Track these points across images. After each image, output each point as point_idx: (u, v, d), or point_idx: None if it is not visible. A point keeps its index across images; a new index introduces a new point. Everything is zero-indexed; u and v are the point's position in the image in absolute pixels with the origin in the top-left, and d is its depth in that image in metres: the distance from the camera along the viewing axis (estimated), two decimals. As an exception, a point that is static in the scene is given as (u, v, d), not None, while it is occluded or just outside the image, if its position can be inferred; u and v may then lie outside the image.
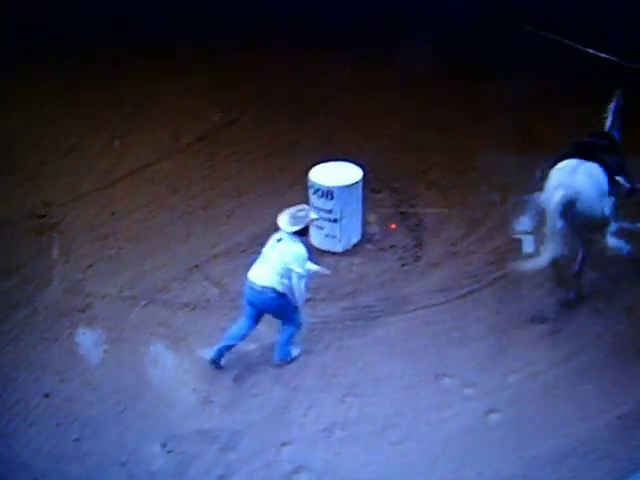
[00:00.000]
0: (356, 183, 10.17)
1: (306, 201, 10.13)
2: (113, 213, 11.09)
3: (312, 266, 8.52)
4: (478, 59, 14.42)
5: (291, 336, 8.54)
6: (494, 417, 8.06)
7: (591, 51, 14.57)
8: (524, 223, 10.35)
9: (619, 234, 9.62)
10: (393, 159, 12.13)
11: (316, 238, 10.26)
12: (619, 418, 7.98)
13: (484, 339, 8.97)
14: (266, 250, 8.25)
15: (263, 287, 8.14)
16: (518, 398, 8.23)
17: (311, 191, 10.18)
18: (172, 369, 8.70)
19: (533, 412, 8.07)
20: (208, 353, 8.58)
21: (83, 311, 9.36)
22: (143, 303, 9.47)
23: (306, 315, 8.73)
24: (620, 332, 9.03)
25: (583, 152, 8.63)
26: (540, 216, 8.95)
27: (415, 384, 8.45)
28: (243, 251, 10.19)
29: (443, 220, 10.79)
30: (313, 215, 8.49)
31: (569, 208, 8.41)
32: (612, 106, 9.22)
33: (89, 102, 13.65)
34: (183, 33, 15.48)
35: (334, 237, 10.23)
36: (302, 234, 8.27)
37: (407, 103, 13.62)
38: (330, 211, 10.07)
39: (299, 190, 10.68)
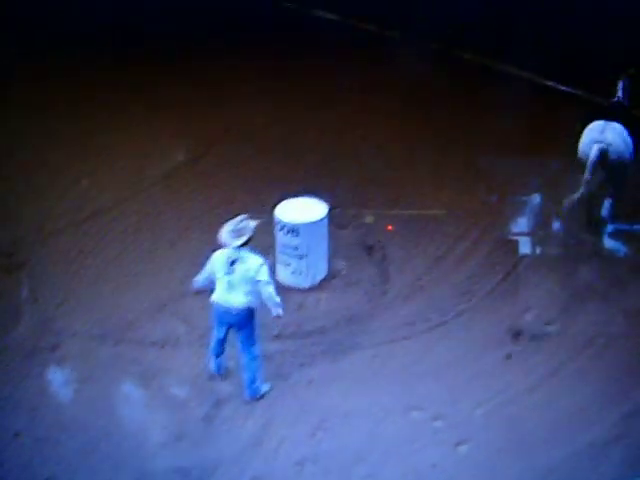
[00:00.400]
0: (322, 219, 10.25)
1: (272, 238, 10.28)
2: (81, 251, 11.06)
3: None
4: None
5: (256, 371, 8.61)
6: (464, 448, 8.13)
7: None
8: (521, 224, 11.40)
9: (616, 236, 10.88)
10: (358, 195, 12.24)
11: (283, 274, 10.34)
12: (589, 445, 8.11)
13: (452, 370, 9.05)
14: (222, 276, 8.27)
15: (239, 309, 8.30)
16: (487, 428, 8.33)
17: (277, 228, 10.23)
18: (143, 407, 8.68)
19: (503, 442, 8.16)
20: (209, 368, 8.87)
21: (53, 349, 9.31)
22: (113, 341, 9.45)
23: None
24: (588, 355, 9.23)
25: (606, 115, 10.75)
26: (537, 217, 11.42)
27: (384, 417, 8.50)
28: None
29: (409, 254, 10.90)
30: (253, 223, 8.38)
31: (604, 158, 10.48)
32: (621, 83, 11.07)
33: (55, 141, 13.69)
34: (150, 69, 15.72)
35: (301, 273, 10.27)
36: (247, 243, 8.27)
37: (368, 141, 13.85)
38: (296, 247, 10.13)
39: (265, 226, 10.75)
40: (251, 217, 8.45)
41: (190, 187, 12.53)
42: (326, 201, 10.55)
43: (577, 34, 14.94)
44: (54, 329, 9.65)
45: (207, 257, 8.55)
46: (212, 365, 8.90)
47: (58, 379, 9.02)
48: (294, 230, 10.08)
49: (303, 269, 10.25)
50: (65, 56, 15.65)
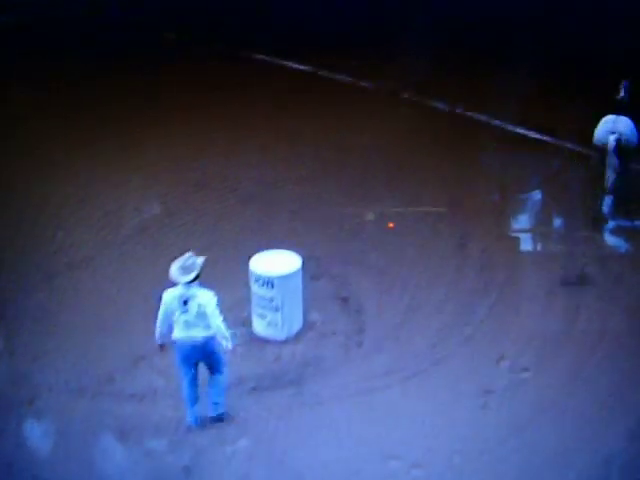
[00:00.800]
0: (296, 271, 10.33)
1: (248, 291, 10.35)
2: (58, 304, 11.08)
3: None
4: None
5: (222, 394, 8.93)
6: (442, 497, 8.19)
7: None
8: (522, 221, 12.54)
9: (618, 232, 11.79)
10: (332, 246, 12.34)
11: (258, 326, 10.39)
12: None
13: (429, 419, 9.08)
14: (178, 316, 8.55)
15: (205, 337, 8.57)
16: (466, 476, 8.36)
17: (252, 280, 10.30)
18: (121, 460, 8.63)
19: (480, 490, 8.22)
20: (188, 419, 8.95)
21: (30, 403, 9.26)
22: (90, 394, 9.43)
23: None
24: (564, 400, 9.31)
25: (614, 110, 12.58)
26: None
27: (362, 467, 8.51)
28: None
29: (383, 305, 10.99)
30: (200, 259, 8.60)
31: (618, 146, 12.36)
32: (624, 84, 12.65)
33: (30, 192, 13.76)
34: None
35: (276, 325, 10.31)
36: (197, 279, 8.52)
37: (340, 193, 14.05)
38: (271, 300, 10.18)
39: (241, 279, 10.87)
40: (197, 254, 8.68)
41: (166, 240, 12.56)
42: (300, 253, 10.67)
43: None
44: (31, 382, 9.59)
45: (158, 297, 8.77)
46: (189, 417, 8.96)
47: (35, 433, 8.97)
48: (269, 282, 10.15)
49: (278, 321, 10.28)
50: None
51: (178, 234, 12.72)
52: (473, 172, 14.82)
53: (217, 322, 8.49)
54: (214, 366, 8.82)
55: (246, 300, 10.55)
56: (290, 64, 18.39)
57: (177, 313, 8.57)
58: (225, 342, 8.58)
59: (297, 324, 10.50)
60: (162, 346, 8.95)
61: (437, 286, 11.32)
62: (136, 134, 15.78)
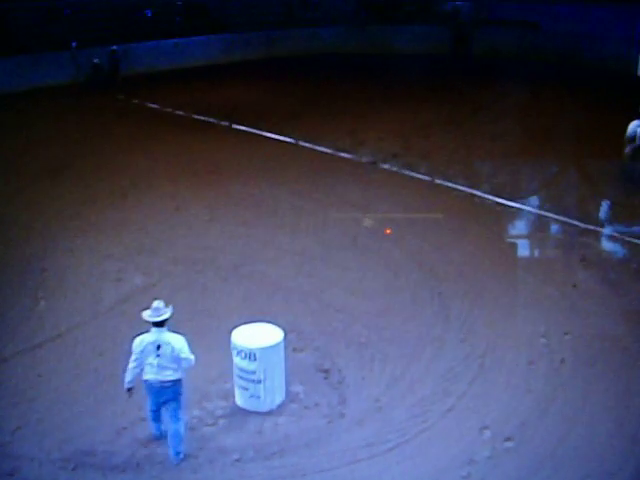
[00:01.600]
0: (278, 344, 10.35)
1: (230, 364, 10.37)
2: (39, 375, 11.01)
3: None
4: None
5: (181, 441, 9.43)
6: None
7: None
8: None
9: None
10: (313, 319, 12.44)
11: (241, 398, 10.36)
12: None
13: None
14: (152, 360, 9.21)
15: (173, 381, 9.27)
16: None
17: (234, 352, 10.30)
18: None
19: None
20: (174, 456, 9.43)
21: (11, 474, 9.15)
22: (72, 466, 9.31)
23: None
24: (548, 468, 9.27)
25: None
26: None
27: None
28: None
29: (365, 376, 10.99)
30: (170, 306, 9.36)
31: None
32: None
33: (11, 262, 13.83)
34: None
35: (258, 397, 10.28)
36: (165, 323, 9.25)
37: (322, 264, 14.28)
38: (254, 372, 10.16)
39: (222, 352, 10.89)
40: (166, 304, 9.39)
41: (147, 312, 12.62)
42: (282, 325, 10.72)
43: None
44: (12, 454, 9.50)
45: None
46: (153, 430, 9.74)
47: (18, 504, 8.88)
48: (251, 355, 10.15)
49: (261, 393, 10.26)
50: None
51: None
52: (455, 238, 15.20)
53: (187, 363, 9.26)
54: (173, 413, 9.43)
55: (228, 372, 10.53)
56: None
57: (152, 357, 9.23)
58: (192, 359, 9.26)
59: (279, 396, 10.48)
60: (130, 390, 9.44)
61: (418, 357, 11.39)
62: (119, 206, 16.08)
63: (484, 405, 10.30)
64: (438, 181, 18.87)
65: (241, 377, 10.29)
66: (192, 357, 9.25)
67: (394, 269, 14.06)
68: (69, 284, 13.62)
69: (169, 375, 9.23)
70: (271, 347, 10.27)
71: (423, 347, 11.63)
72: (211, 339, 11.73)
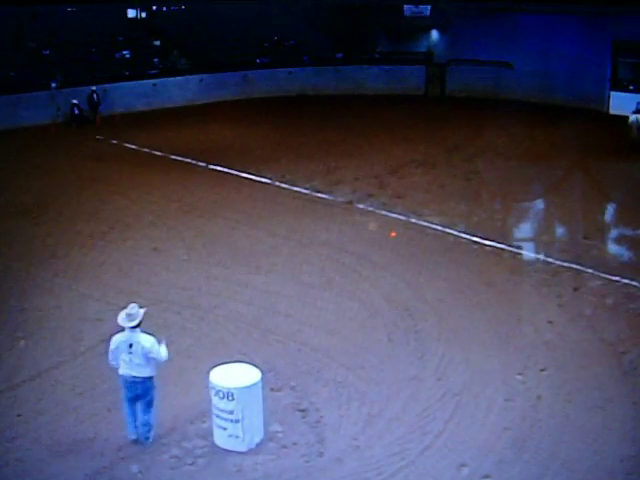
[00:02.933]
0: (255, 383, 10.40)
1: (208, 404, 10.43)
2: (19, 415, 11.00)
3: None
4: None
5: (148, 432, 10.39)
6: None
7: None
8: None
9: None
10: (290, 359, 12.51)
11: (219, 438, 10.39)
12: None
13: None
14: (125, 357, 10.18)
15: (144, 378, 10.22)
16: None
17: (212, 392, 10.35)
18: None
19: None
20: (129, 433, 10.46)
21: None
22: (51, 507, 9.34)
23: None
24: None
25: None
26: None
27: None
28: (151, 452, 10.24)
29: (343, 415, 11.05)
30: (142, 309, 10.35)
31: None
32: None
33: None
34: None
35: (237, 437, 10.31)
36: (139, 326, 10.22)
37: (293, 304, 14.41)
38: (232, 411, 10.21)
39: (200, 392, 10.99)
40: (140, 306, 10.41)
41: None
42: (259, 365, 10.84)
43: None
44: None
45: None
46: (129, 432, 10.48)
47: None
48: (229, 394, 10.20)
49: (239, 433, 10.30)
50: None
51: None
52: (430, 277, 15.36)
53: (158, 353, 10.20)
54: (144, 407, 10.37)
55: (207, 412, 10.59)
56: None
57: (124, 354, 10.21)
58: (163, 355, 10.26)
59: (258, 435, 10.52)
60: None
61: (395, 396, 11.47)
62: (97, 246, 16.19)
63: (461, 443, 10.38)
64: (413, 220, 19.09)
65: (219, 416, 10.33)
66: (162, 355, 10.25)
67: (370, 309, 14.20)
68: (49, 324, 13.67)
69: (140, 372, 10.18)
70: (249, 387, 10.33)
71: (400, 386, 11.72)
72: (189, 379, 11.82)
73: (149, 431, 10.40)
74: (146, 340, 10.20)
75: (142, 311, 10.29)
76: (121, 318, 10.23)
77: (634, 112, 26.69)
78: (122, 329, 10.28)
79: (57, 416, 11.05)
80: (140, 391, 10.26)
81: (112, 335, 10.42)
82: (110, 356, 10.40)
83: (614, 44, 34.35)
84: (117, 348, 10.26)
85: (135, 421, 10.41)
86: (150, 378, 10.28)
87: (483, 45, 38.06)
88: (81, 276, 15.73)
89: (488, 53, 37.77)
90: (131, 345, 10.15)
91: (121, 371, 10.30)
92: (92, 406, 11.19)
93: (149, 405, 10.36)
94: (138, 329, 10.22)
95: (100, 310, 14.07)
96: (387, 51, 42.08)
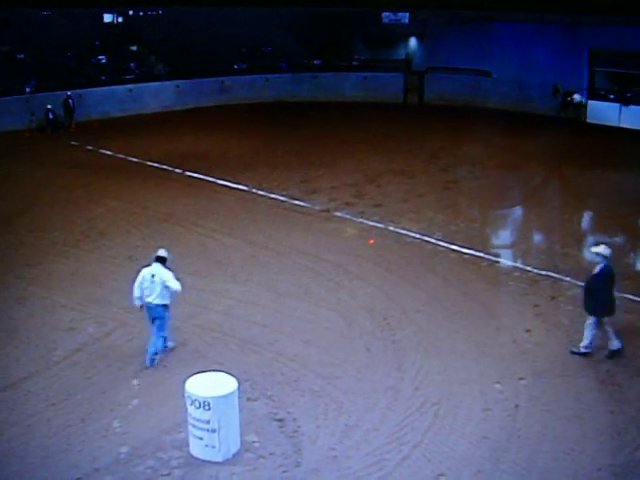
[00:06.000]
0: (232, 393, 10.32)
1: (184, 414, 10.32)
2: (-9, 427, 10.91)
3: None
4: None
5: (159, 349, 12.57)
6: None
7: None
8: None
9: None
10: (266, 369, 12.42)
11: (196, 448, 10.30)
12: None
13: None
14: (148, 285, 12.45)
15: (161, 304, 12.47)
16: None
17: (188, 402, 10.25)
18: None
19: None
20: (148, 360, 12.38)
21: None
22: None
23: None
24: None
25: None
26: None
27: None
28: (126, 463, 10.11)
29: (320, 425, 10.97)
30: (168, 251, 12.85)
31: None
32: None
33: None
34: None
35: (213, 447, 10.22)
36: (164, 262, 12.58)
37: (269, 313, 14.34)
38: (208, 421, 10.13)
39: (176, 402, 10.91)
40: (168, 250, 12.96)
41: (100, 361, 12.59)
42: (236, 375, 10.74)
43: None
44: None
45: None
46: (148, 359, 12.46)
47: None
48: (205, 404, 10.10)
49: (216, 443, 10.21)
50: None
51: (115, 355, 12.79)
52: (408, 287, 15.34)
53: (172, 283, 12.36)
54: (158, 327, 12.52)
55: (183, 422, 10.48)
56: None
57: (147, 283, 12.46)
58: (176, 286, 12.42)
59: (234, 445, 10.43)
60: (141, 306, 12.66)
61: (373, 406, 11.41)
62: (71, 255, 16.02)
63: (440, 453, 10.33)
64: (391, 229, 19.07)
65: (196, 426, 10.24)
66: (177, 286, 12.41)
67: (347, 318, 14.13)
68: (21, 334, 13.51)
69: (158, 299, 12.41)
70: (225, 396, 10.25)
71: (377, 396, 11.66)
72: (165, 389, 11.74)
73: (155, 353, 12.54)
74: (166, 273, 12.45)
75: (168, 252, 12.84)
76: (158, 253, 12.68)
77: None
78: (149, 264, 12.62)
79: (30, 427, 10.90)
80: (157, 314, 12.49)
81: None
82: (135, 286, 12.57)
83: (591, 53, 34.64)
84: (143, 277, 12.52)
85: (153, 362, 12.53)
86: (165, 305, 12.53)
87: (461, 53, 38.27)
88: (55, 285, 15.58)
89: (466, 61, 37.97)
90: (153, 275, 12.44)
91: (145, 298, 12.51)
92: (66, 417, 11.05)
93: (161, 327, 12.55)
94: (162, 265, 12.51)
95: (74, 319, 13.97)
96: (365, 58, 42.20)
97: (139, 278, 12.58)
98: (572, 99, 34.20)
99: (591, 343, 12.72)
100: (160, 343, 12.61)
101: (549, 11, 30.09)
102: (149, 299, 12.46)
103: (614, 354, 12.72)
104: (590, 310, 12.81)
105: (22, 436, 10.71)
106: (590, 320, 12.74)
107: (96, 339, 13.31)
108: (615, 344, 12.72)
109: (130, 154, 27.17)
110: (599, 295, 12.69)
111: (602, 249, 12.77)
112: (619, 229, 19.15)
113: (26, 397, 11.61)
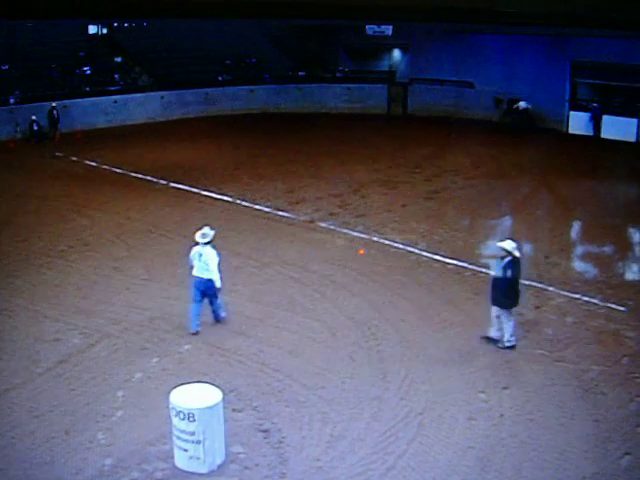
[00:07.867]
0: (217, 404, 10.30)
1: (169, 426, 10.31)
2: (-28, 438, 10.82)
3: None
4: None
5: (218, 310, 14.23)
6: None
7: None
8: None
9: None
10: (251, 379, 12.40)
11: (180, 460, 10.26)
12: None
13: None
14: (196, 262, 13.79)
15: (206, 279, 13.77)
16: None
17: (173, 413, 10.22)
18: None
19: None
20: (192, 328, 13.81)
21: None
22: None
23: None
24: None
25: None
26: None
27: None
28: (110, 475, 10.05)
29: (305, 436, 10.97)
30: (213, 231, 14.11)
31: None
32: None
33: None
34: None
35: (198, 459, 10.18)
36: (210, 243, 13.87)
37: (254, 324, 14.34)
38: (193, 433, 10.09)
39: (161, 414, 10.91)
40: (211, 228, 14.20)
41: (85, 372, 12.53)
42: (220, 386, 10.75)
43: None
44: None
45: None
46: (192, 326, 13.88)
47: None
48: (190, 415, 10.08)
49: (201, 454, 10.18)
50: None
51: (99, 366, 12.73)
52: (393, 297, 15.35)
53: (214, 269, 13.71)
54: (211, 299, 14.06)
55: (167, 434, 10.46)
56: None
57: (196, 260, 13.84)
58: (217, 282, 13.79)
59: (220, 457, 10.41)
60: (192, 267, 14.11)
61: (358, 417, 11.41)
62: (56, 266, 15.95)
63: (425, 463, 10.34)
64: (375, 239, 19.11)
65: (180, 438, 10.21)
66: (216, 278, 13.71)
67: (332, 328, 14.15)
68: (5, 345, 13.43)
69: (204, 274, 13.76)
70: (210, 407, 10.23)
71: (362, 406, 11.66)
72: (150, 401, 11.69)
73: (219, 315, 14.28)
74: (210, 254, 13.78)
75: (212, 232, 14.02)
76: (198, 236, 13.92)
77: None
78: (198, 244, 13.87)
79: (13, 440, 10.83)
80: (204, 287, 13.84)
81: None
82: (189, 261, 14.01)
83: (573, 65, 34.91)
84: (193, 256, 13.89)
85: (198, 319, 13.93)
86: (212, 280, 13.77)
87: (445, 65, 38.53)
88: (39, 296, 15.52)
89: (450, 73, 38.22)
90: (201, 255, 13.78)
91: (194, 273, 13.87)
92: (49, 429, 10.99)
93: (215, 297, 14.05)
94: (209, 245, 13.85)
95: (58, 330, 13.92)
96: (349, 70, 42.33)
97: (190, 255, 14.03)
98: (518, 106, 35.39)
99: (514, 332, 13.44)
100: (218, 308, 14.17)
101: (532, 24, 30.29)
102: (198, 273, 13.84)
103: (490, 340, 13.54)
104: (498, 303, 13.39)
105: (5, 448, 10.64)
106: (499, 312, 13.40)
107: (80, 350, 13.23)
108: (497, 334, 13.49)
109: (115, 165, 27.13)
110: (505, 288, 13.30)
111: (506, 244, 13.34)
112: (606, 238, 19.37)
113: (10, 409, 11.53)
